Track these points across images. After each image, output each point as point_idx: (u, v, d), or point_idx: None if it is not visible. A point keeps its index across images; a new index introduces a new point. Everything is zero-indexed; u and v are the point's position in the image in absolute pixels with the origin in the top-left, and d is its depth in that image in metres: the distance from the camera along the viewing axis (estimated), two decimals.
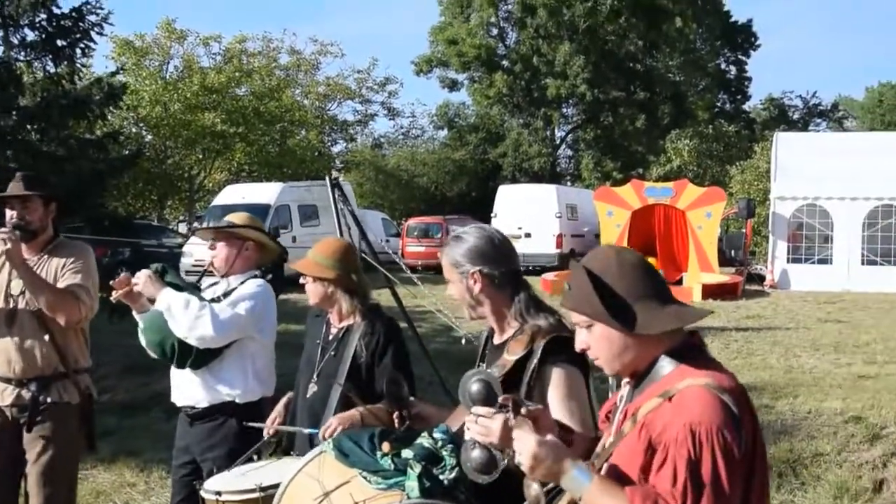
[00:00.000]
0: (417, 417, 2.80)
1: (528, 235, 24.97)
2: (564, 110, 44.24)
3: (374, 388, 3.40)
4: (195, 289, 3.95)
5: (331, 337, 3.60)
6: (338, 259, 3.54)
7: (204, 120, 29.22)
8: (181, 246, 22.47)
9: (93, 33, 16.15)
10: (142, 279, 3.77)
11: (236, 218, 4.06)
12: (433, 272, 28.02)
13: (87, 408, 4.18)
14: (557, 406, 2.36)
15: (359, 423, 3.20)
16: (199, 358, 3.76)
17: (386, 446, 2.26)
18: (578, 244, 25.81)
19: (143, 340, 3.93)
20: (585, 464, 1.92)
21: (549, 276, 20.74)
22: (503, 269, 2.64)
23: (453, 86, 44.64)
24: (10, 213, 4.12)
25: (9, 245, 3.89)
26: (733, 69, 50.66)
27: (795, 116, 55.61)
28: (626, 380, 2.09)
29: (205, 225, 23.39)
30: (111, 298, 3.91)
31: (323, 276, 3.52)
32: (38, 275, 4.01)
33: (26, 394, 4.01)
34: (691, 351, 2.01)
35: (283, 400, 3.76)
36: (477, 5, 41.44)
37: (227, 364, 3.81)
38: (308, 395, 3.52)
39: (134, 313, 3.94)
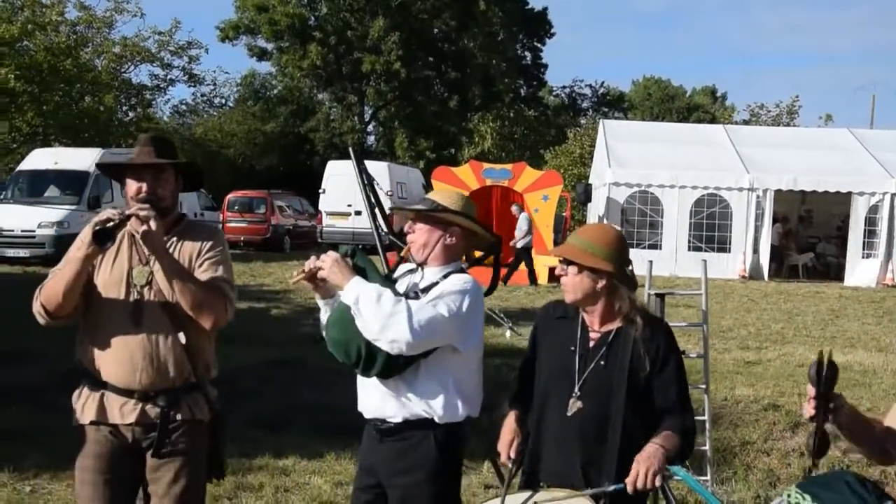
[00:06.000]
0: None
1: (357, 213, 24.48)
2: (377, 86, 43.84)
3: (653, 405, 2.97)
4: (389, 280, 3.23)
5: (591, 343, 3.02)
6: (615, 249, 2.95)
7: None
8: None
9: None
10: (328, 264, 3.05)
11: (441, 198, 3.32)
12: (254, 248, 26.86)
13: (216, 426, 3.41)
14: None
15: (664, 463, 2.81)
16: (387, 366, 3.06)
17: None
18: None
19: (326, 338, 3.19)
20: None
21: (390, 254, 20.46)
22: None
23: (262, 55, 43.02)
24: (136, 186, 3.25)
25: (151, 225, 3.07)
26: (529, 55, 51.93)
27: (584, 105, 58.05)
28: None
29: (8, 193, 21.15)
30: (291, 282, 3.21)
31: (599, 266, 2.92)
32: (182, 265, 3.21)
33: (152, 410, 3.22)
34: None
35: (512, 417, 3.17)
36: None
37: (423, 375, 3.12)
38: (571, 413, 2.97)
39: (318, 299, 3.22)
